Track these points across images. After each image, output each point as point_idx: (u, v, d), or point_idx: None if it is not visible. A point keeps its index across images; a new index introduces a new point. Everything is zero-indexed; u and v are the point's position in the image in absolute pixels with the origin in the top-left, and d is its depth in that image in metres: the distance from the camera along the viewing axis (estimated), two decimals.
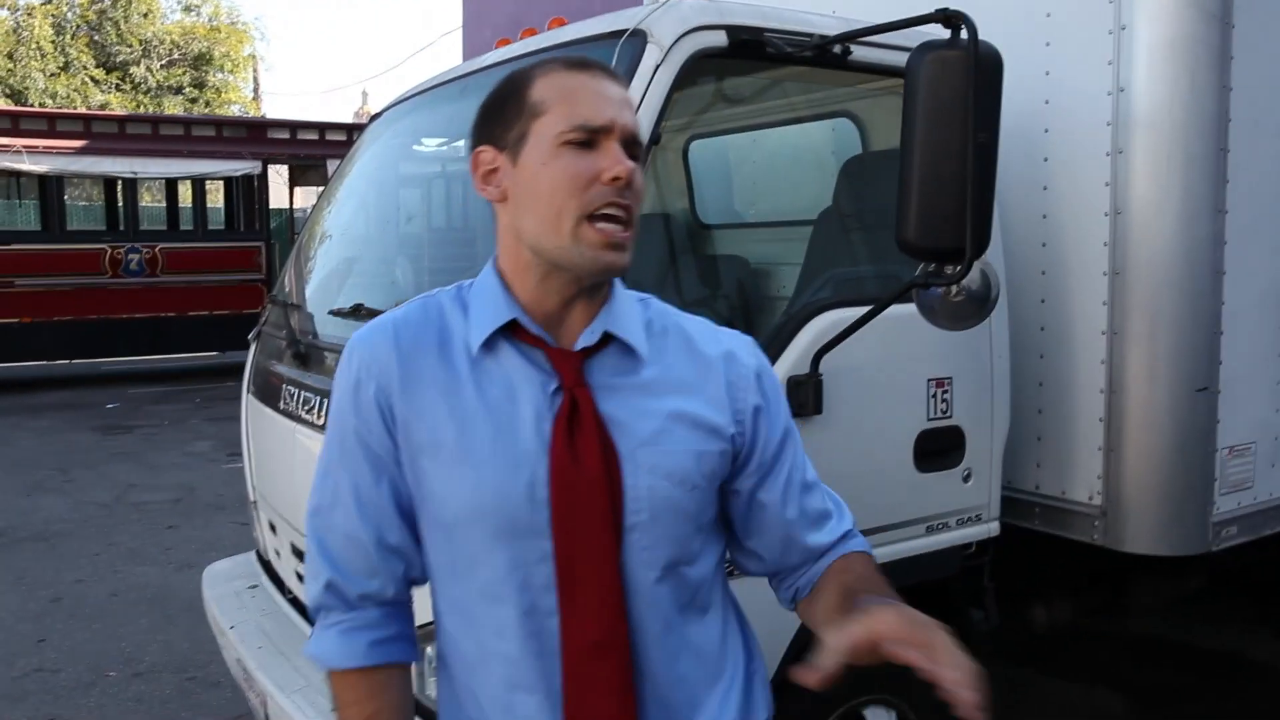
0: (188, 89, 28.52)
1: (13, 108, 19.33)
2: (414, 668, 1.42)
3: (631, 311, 1.32)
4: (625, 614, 1.25)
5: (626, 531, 1.25)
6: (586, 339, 1.27)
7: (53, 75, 25.83)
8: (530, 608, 1.25)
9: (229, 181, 14.11)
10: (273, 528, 3.10)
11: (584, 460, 1.23)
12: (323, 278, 3.27)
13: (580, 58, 1.29)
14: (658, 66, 2.11)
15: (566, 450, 1.23)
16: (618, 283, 1.32)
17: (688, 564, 1.31)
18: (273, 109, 31.65)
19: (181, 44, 28.41)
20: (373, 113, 3.51)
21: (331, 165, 13.46)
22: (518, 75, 1.30)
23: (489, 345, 1.27)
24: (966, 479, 2.58)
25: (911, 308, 2.20)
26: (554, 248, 1.23)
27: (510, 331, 1.27)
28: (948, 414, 2.52)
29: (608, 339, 1.28)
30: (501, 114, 1.28)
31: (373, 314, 2.55)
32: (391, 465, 1.30)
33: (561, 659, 1.25)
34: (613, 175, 1.21)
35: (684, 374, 1.31)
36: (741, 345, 1.38)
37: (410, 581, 1.36)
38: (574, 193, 1.21)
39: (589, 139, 1.22)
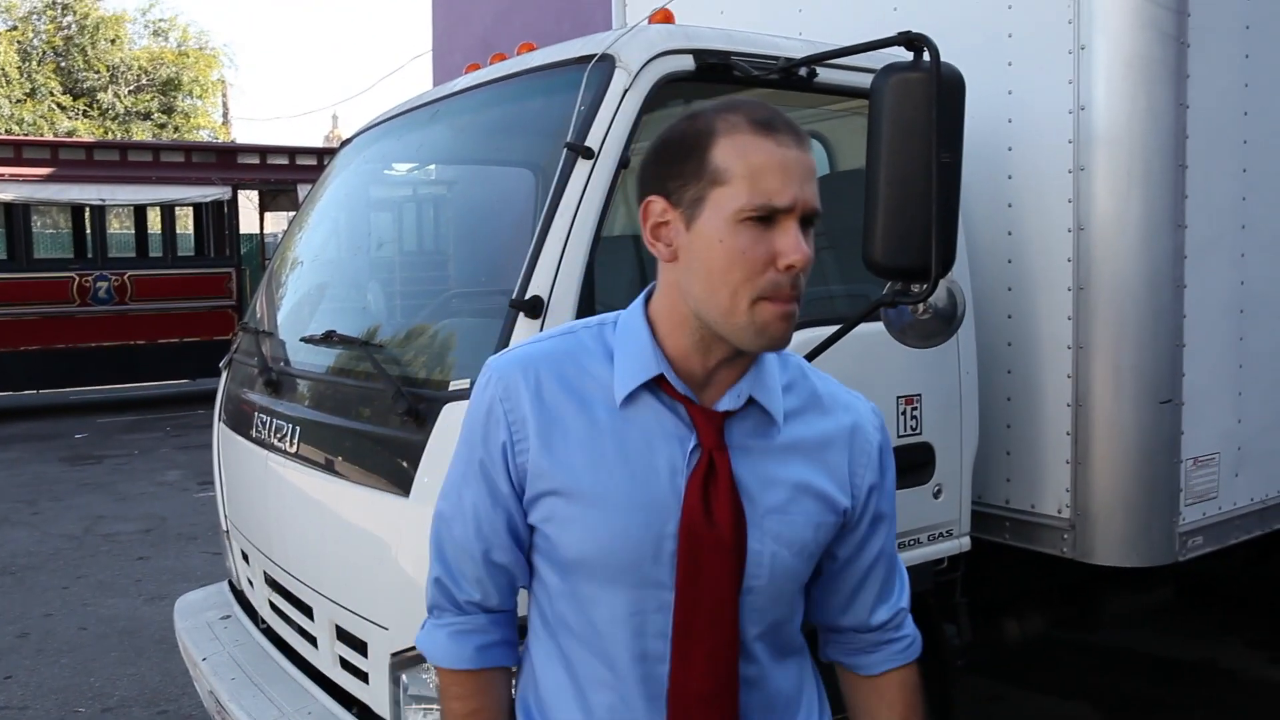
0: (156, 114, 28.36)
1: None
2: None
3: (773, 374, 1.31)
4: (737, 670, 1.28)
5: (744, 592, 1.27)
6: (731, 402, 1.27)
7: (18, 102, 25.62)
8: (642, 653, 1.28)
9: (199, 207, 14.01)
10: (245, 557, 3.08)
11: (717, 520, 1.24)
12: (294, 304, 3.26)
13: (767, 115, 1.22)
14: (626, 91, 2.13)
15: (700, 508, 1.24)
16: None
17: (787, 622, 1.37)
18: (242, 134, 31.47)
19: (150, 69, 28.28)
20: (343, 136, 3.51)
21: (302, 190, 13.41)
22: (700, 126, 1.24)
23: (632, 394, 1.27)
24: (937, 495, 2.61)
25: (879, 326, 2.22)
26: (723, 322, 1.21)
27: (654, 383, 1.27)
28: (917, 431, 2.54)
29: (749, 402, 1.28)
30: (679, 167, 1.23)
31: (345, 341, 2.56)
32: (507, 500, 1.32)
33: (668, 706, 1.28)
34: (788, 264, 1.18)
35: (812, 444, 1.32)
36: (868, 418, 1.39)
37: (515, 590, 1.40)
38: (750, 275, 1.18)
39: (769, 216, 1.18)
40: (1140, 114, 2.60)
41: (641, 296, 1.33)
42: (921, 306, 2.03)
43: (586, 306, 2.03)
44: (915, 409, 2.52)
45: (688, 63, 2.23)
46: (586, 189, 2.07)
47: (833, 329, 2.19)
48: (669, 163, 1.25)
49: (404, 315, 3.01)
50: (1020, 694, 3.48)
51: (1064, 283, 2.70)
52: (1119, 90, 2.61)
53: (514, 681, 1.43)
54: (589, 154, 2.07)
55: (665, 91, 2.21)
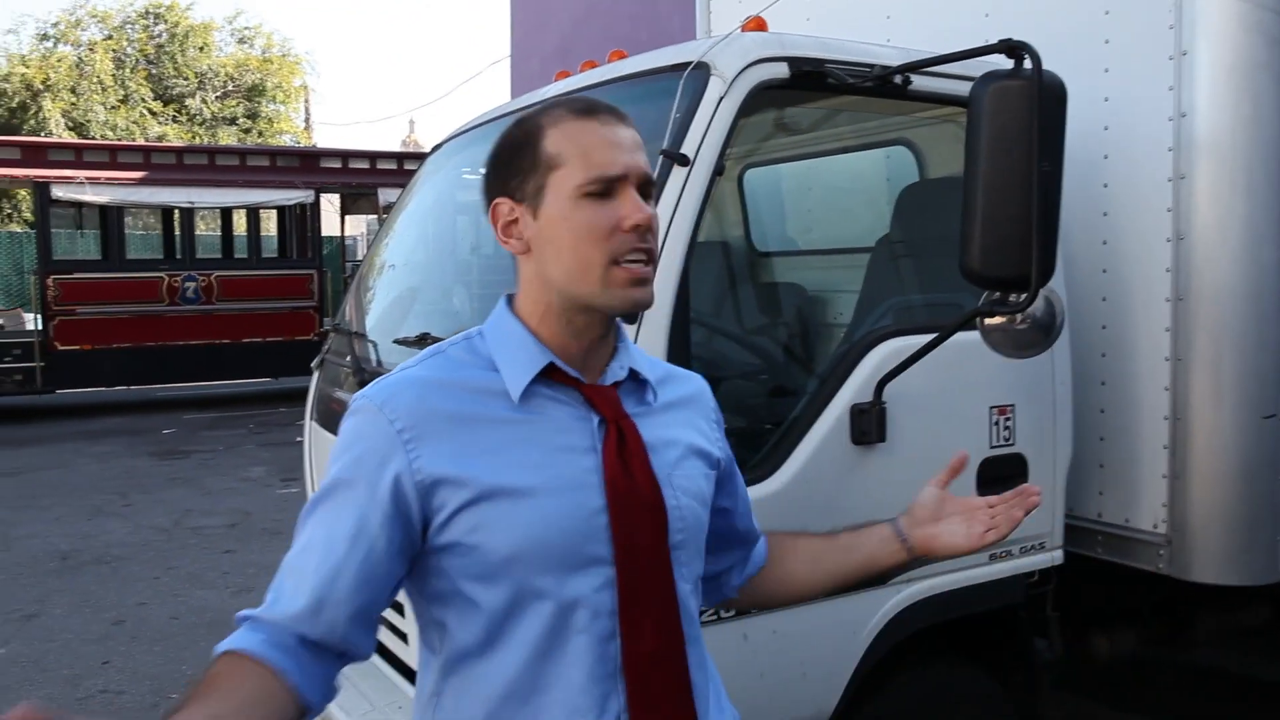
0: (241, 120, 29.15)
1: (75, 140, 19.90)
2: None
3: (638, 351, 1.44)
4: (680, 625, 1.35)
5: (672, 549, 1.34)
6: (616, 374, 1.37)
7: (113, 108, 26.54)
8: (599, 634, 1.29)
9: (282, 210, 14.37)
10: None
11: (639, 482, 1.31)
12: (385, 307, 3.33)
13: (587, 103, 1.32)
14: (721, 98, 2.14)
15: (622, 474, 1.30)
16: (623, 326, 1.42)
17: (701, 577, 1.46)
18: (323, 138, 32.14)
19: (236, 76, 29.08)
20: (419, 141, 3.57)
21: (382, 193, 13.67)
22: (527, 125, 1.33)
23: (525, 390, 1.31)
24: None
25: (973, 335, 2.20)
26: (585, 293, 1.29)
27: (542, 374, 1.32)
28: (1010, 441, 2.51)
29: (627, 375, 1.38)
30: (516, 166, 1.32)
31: (438, 343, 2.60)
32: (376, 534, 1.26)
33: (625, 677, 1.30)
34: (633, 223, 1.27)
35: (680, 408, 1.45)
36: (704, 383, 1.55)
37: (336, 650, 1.28)
38: (597, 242, 1.27)
39: (606, 188, 1.27)
40: (1245, 120, 2.54)
41: (502, 303, 1.38)
42: (1019, 316, 2.01)
43: (682, 311, 2.04)
44: (1009, 419, 2.49)
45: (782, 70, 2.23)
46: (682, 196, 2.09)
47: (926, 337, 2.17)
48: (506, 165, 1.34)
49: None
50: (1110, 713, 3.40)
51: (1162, 293, 2.64)
52: (1222, 96, 2.55)
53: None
54: (684, 161, 2.09)
55: (760, 99, 2.21)
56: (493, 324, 1.37)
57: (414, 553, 1.29)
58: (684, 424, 1.44)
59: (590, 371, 1.35)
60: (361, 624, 1.28)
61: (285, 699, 1.22)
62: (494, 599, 1.28)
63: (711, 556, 1.54)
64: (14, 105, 25.84)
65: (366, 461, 1.27)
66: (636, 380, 1.39)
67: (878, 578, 1.69)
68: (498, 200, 1.34)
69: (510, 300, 1.38)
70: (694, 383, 1.52)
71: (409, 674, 2.62)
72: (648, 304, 1.31)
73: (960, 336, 2.19)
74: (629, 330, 1.57)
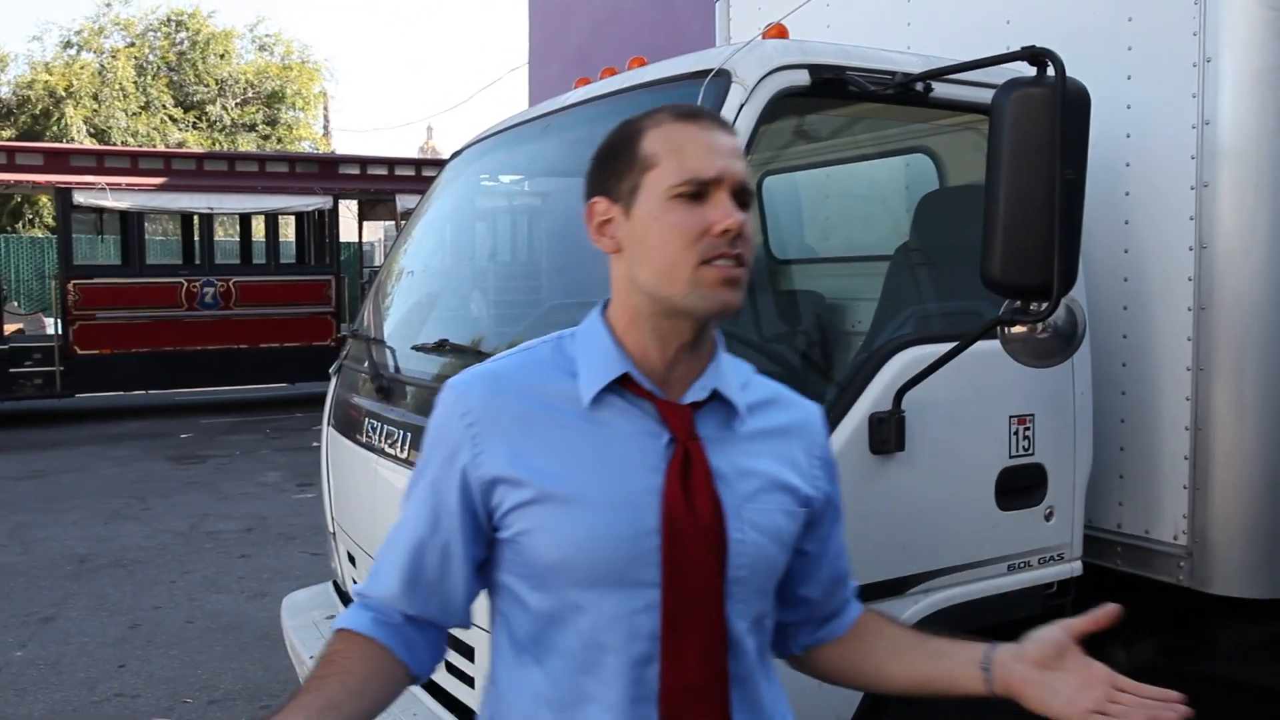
0: (261, 126, 29.31)
1: (97, 147, 20.07)
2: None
3: (731, 371, 1.36)
4: (727, 662, 1.29)
5: (729, 583, 1.28)
6: (697, 394, 1.31)
7: (134, 114, 26.74)
8: (633, 657, 1.27)
9: (300, 216, 14.47)
10: (351, 559, 3.15)
11: (699, 510, 1.26)
12: (404, 313, 3.34)
13: (690, 108, 1.32)
14: (742, 105, 2.14)
15: (681, 500, 1.26)
16: (720, 341, 1.36)
17: (767, 616, 1.38)
18: (342, 145, 32.31)
19: (255, 83, 29.25)
20: (437, 148, 3.59)
21: (400, 200, 13.73)
22: (629, 126, 1.33)
23: (598, 397, 1.29)
24: (1048, 517, 2.55)
25: (992, 344, 2.19)
26: (671, 294, 1.26)
27: (619, 383, 1.30)
28: (1029, 451, 2.49)
29: (711, 395, 1.32)
30: (614, 165, 1.32)
31: (457, 350, 2.61)
32: (451, 521, 1.32)
33: (660, 706, 1.26)
34: (723, 228, 1.23)
35: (774, 437, 1.38)
36: (815, 414, 1.46)
37: (443, 614, 1.38)
38: (687, 245, 1.24)
39: (699, 191, 1.25)
40: (1269, 129, 2.52)
41: (597, 306, 1.37)
42: (1041, 325, 1.99)
43: None
44: (1028, 429, 2.48)
45: (803, 78, 2.22)
46: None
47: (946, 346, 2.16)
48: (605, 164, 1.34)
49: (514, 325, 3.05)
50: None
51: (1184, 302, 2.62)
52: (1246, 104, 2.53)
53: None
54: None
55: (781, 106, 2.21)
56: (584, 326, 1.36)
57: (486, 539, 1.34)
58: (772, 455, 1.36)
59: (673, 386, 1.31)
60: (452, 600, 1.37)
61: (395, 672, 1.35)
62: (540, 603, 1.30)
63: (782, 603, 1.46)
64: (37, 112, 26.07)
65: (441, 450, 1.33)
66: (723, 402, 1.33)
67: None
68: (594, 199, 1.34)
69: (606, 304, 1.37)
70: (801, 412, 1.44)
71: (425, 682, 2.61)
72: (736, 306, 1.27)
73: (980, 345, 2.18)
74: None
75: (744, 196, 1.28)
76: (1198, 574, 2.64)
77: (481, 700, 1.43)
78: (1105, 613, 1.34)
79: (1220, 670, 3.35)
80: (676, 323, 1.28)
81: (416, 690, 2.63)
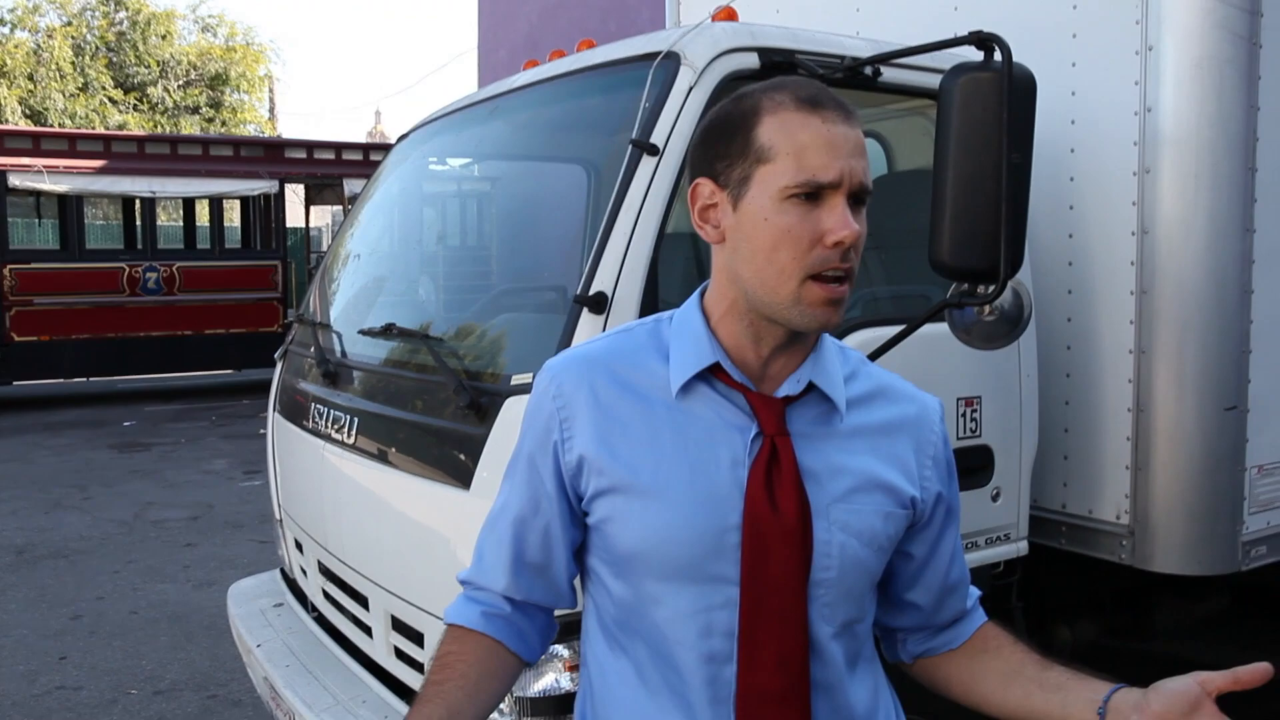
0: (204, 109, 28.76)
1: (33, 128, 19.55)
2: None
3: (834, 362, 1.29)
4: (808, 666, 1.24)
5: (813, 585, 1.24)
6: (790, 388, 1.25)
7: (72, 96, 26.08)
8: (708, 653, 1.24)
9: (246, 201, 14.23)
10: (299, 546, 3.11)
11: (782, 509, 1.21)
12: (351, 297, 3.29)
13: (814, 92, 1.20)
14: (691, 88, 2.13)
15: (764, 497, 1.21)
16: (827, 334, 1.30)
17: (859, 621, 1.32)
18: (288, 129, 31.81)
19: (198, 64, 28.67)
20: (385, 132, 3.54)
21: (348, 184, 13.55)
22: (745, 106, 1.23)
23: (688, 386, 1.25)
24: (995, 498, 2.58)
25: (940, 327, 2.21)
26: (771, 302, 1.20)
27: (710, 372, 1.25)
28: (976, 433, 2.52)
29: (808, 388, 1.26)
30: (725, 147, 1.22)
31: (404, 334, 2.58)
32: (552, 500, 1.32)
33: (736, 708, 1.24)
34: (836, 239, 1.16)
35: (877, 432, 1.30)
36: (932, 408, 1.37)
37: (551, 594, 1.38)
38: (797, 254, 1.17)
39: (815, 193, 1.17)
40: (1209, 116, 2.56)
41: (698, 291, 1.32)
42: (988, 308, 2.01)
43: (650, 302, 2.04)
44: (975, 411, 2.50)
45: (752, 61, 2.22)
46: (651, 186, 2.08)
47: (896, 329, 2.18)
48: (715, 144, 1.24)
49: (462, 310, 3.03)
50: None
51: (1127, 286, 2.67)
52: (1187, 92, 2.57)
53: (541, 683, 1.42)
54: (654, 151, 2.07)
55: (730, 89, 2.18)
56: (681, 311, 1.31)
57: (580, 522, 1.33)
58: (874, 452, 1.28)
59: (768, 379, 1.26)
60: (558, 582, 1.37)
61: (509, 665, 1.37)
62: (622, 591, 1.29)
63: (888, 607, 1.41)
64: None
65: (535, 430, 1.33)
66: (821, 395, 1.26)
67: None
68: (699, 180, 1.25)
69: (704, 291, 1.31)
70: (914, 406, 1.35)
71: (374, 668, 2.60)
72: (835, 327, 1.21)
73: (928, 328, 2.19)
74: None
75: (864, 198, 1.20)
76: (1139, 553, 2.69)
77: (579, 683, 1.42)
78: (1251, 672, 1.16)
79: (1161, 648, 3.43)
80: (773, 326, 1.22)
81: (364, 675, 2.61)
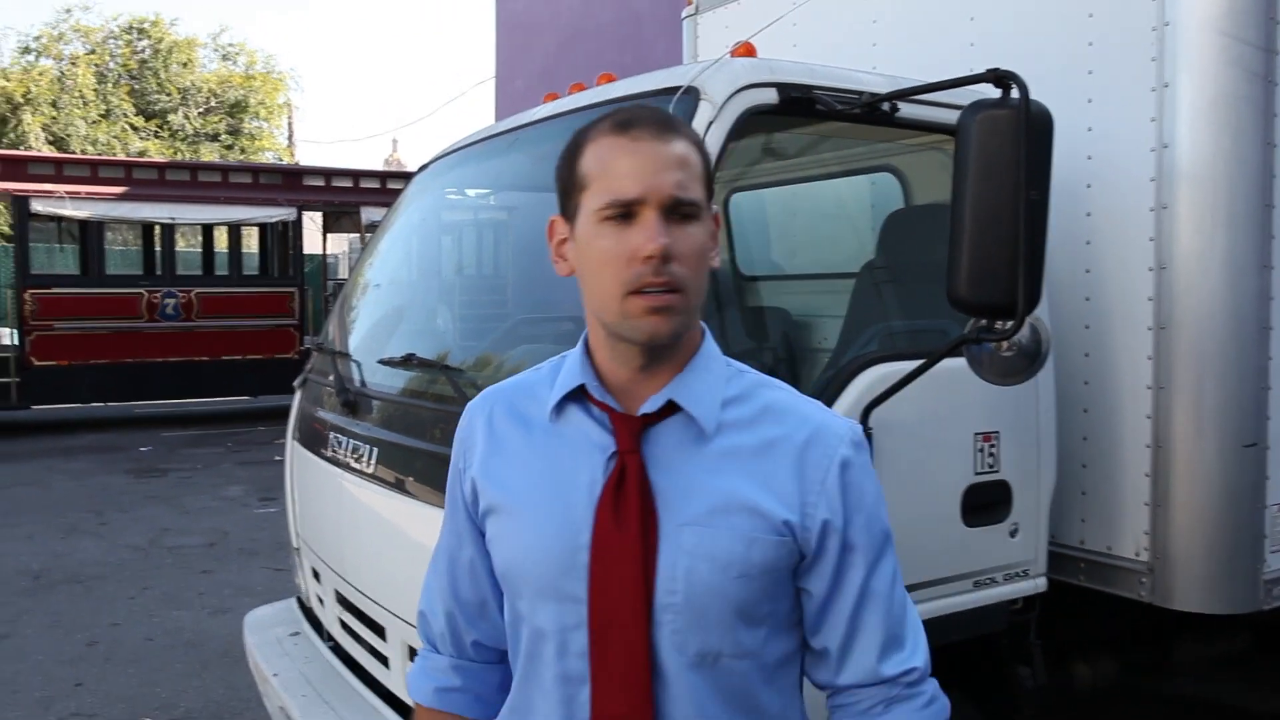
0: (224, 136, 29.09)
1: (56, 155, 19.78)
2: None
3: (710, 381, 1.26)
4: (650, 694, 1.21)
5: (659, 610, 1.20)
6: (648, 406, 1.24)
7: (94, 123, 26.43)
8: (564, 674, 1.25)
9: (264, 227, 14.33)
10: (316, 574, 3.12)
11: (625, 528, 1.20)
12: (369, 327, 3.32)
13: (628, 115, 1.23)
14: (710, 123, 2.15)
15: (610, 516, 1.21)
16: (705, 352, 1.28)
17: (736, 657, 1.23)
18: (306, 156, 32.10)
19: (219, 92, 29.03)
20: (402, 160, 3.57)
21: (365, 212, 13.65)
22: (574, 138, 1.28)
23: (562, 410, 1.30)
24: (1013, 534, 2.57)
25: (959, 362, 2.21)
26: (610, 322, 1.23)
27: (584, 395, 1.28)
28: (994, 468, 2.52)
29: (676, 408, 1.25)
30: (563, 182, 1.28)
31: (424, 364, 2.60)
32: (466, 531, 1.38)
33: None
34: (645, 254, 1.17)
35: (754, 455, 1.24)
36: (833, 433, 1.27)
37: (492, 652, 1.42)
38: (616, 271, 1.19)
39: (626, 212, 1.19)
40: (1226, 152, 2.57)
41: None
42: (1006, 344, 2.02)
43: None
44: (993, 446, 2.50)
45: (771, 96, 2.24)
46: None
47: (913, 363, 2.18)
48: (559, 180, 1.30)
49: (480, 339, 3.04)
50: None
51: (1144, 322, 2.66)
52: (1204, 128, 2.58)
53: None
54: None
55: (749, 124, 2.22)
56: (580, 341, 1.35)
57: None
58: (745, 473, 1.23)
59: (638, 400, 1.26)
60: (496, 620, 1.39)
61: None
62: (507, 609, 1.34)
63: (807, 653, 1.33)
64: None
65: (452, 464, 1.39)
66: (688, 415, 1.24)
67: None
68: (553, 218, 1.30)
69: None
70: (806, 428, 1.26)
71: (388, 698, 2.59)
72: (666, 334, 1.20)
73: (945, 363, 2.20)
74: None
75: (684, 209, 1.20)
76: (1159, 590, 2.67)
77: None
78: None
79: (1181, 688, 3.40)
80: (628, 345, 1.24)
81: (380, 706, 2.61)
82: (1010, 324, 1.96)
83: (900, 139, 2.83)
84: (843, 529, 1.25)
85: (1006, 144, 1.90)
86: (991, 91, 1.99)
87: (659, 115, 1.24)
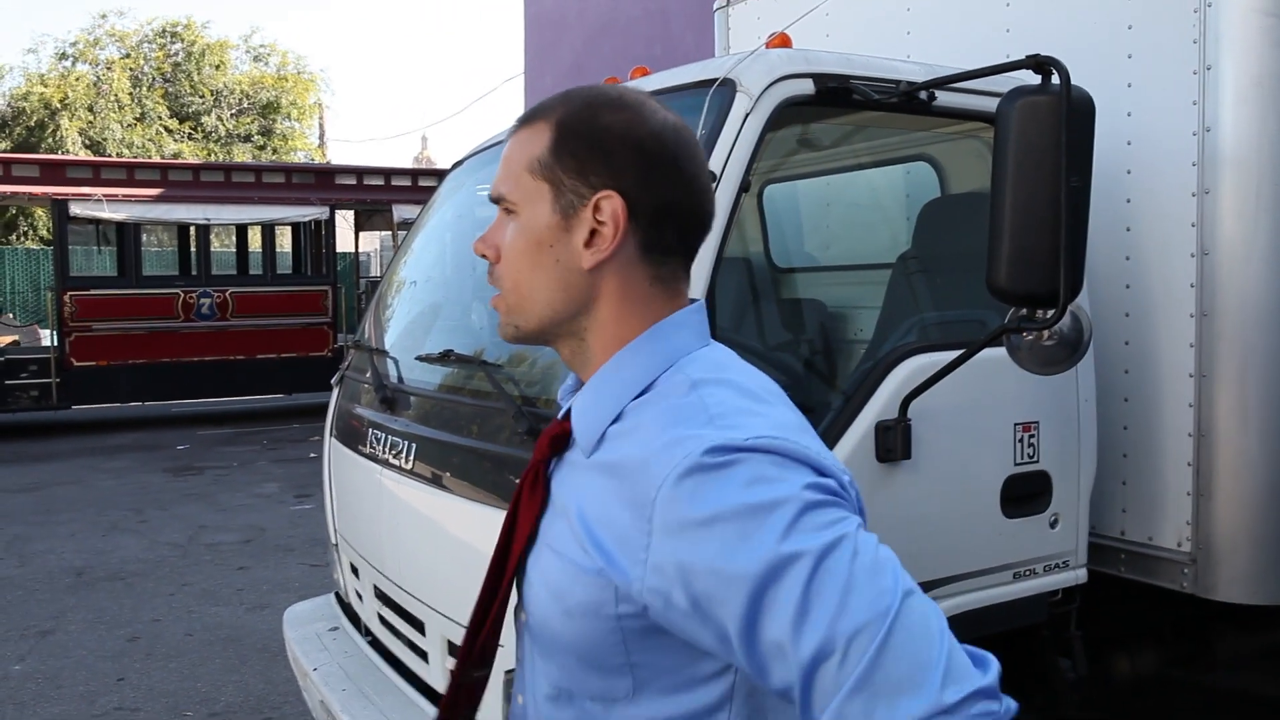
0: (256, 137, 29.36)
1: (94, 158, 20.05)
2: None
3: (604, 390, 1.09)
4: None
5: (524, 626, 1.13)
6: (562, 412, 1.16)
7: (129, 126, 26.77)
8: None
9: (297, 226, 14.46)
10: (355, 570, 3.14)
11: (515, 538, 1.13)
12: (406, 324, 3.33)
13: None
14: (747, 115, 2.14)
15: (508, 524, 1.14)
16: (618, 358, 1.09)
17: (594, 700, 1.06)
18: (337, 155, 32.34)
19: (251, 93, 29.30)
20: (432, 158, 3.58)
21: (397, 210, 13.73)
22: None
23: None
24: (1053, 524, 2.55)
25: (997, 352, 2.19)
26: None
27: None
28: (1034, 459, 2.50)
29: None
30: None
31: (462, 360, 2.61)
32: None
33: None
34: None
35: (604, 474, 1.04)
36: (663, 458, 0.97)
37: None
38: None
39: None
40: (1271, 135, 2.53)
41: None
42: (1047, 332, 2.00)
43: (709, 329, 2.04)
44: (1033, 436, 2.48)
45: (808, 87, 2.23)
46: None
47: (952, 354, 2.16)
48: None
49: None
50: None
51: (1186, 309, 2.63)
52: (1247, 111, 2.54)
53: None
54: (711, 178, 2.08)
55: (786, 115, 2.22)
56: None
57: None
58: (594, 496, 1.04)
59: None
60: None
61: None
62: None
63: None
64: (32, 124, 26.08)
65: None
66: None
67: None
68: None
69: None
70: (639, 448, 1.01)
71: (428, 692, 2.61)
72: (505, 338, 1.14)
73: (985, 353, 2.18)
74: None
75: (504, 205, 1.12)
76: (1202, 581, 2.64)
77: None
78: None
79: (1224, 680, 3.35)
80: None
81: (420, 700, 2.62)
82: (1052, 313, 1.94)
83: (936, 128, 2.80)
84: (678, 576, 0.94)
85: (1047, 131, 1.88)
86: (1029, 78, 1.97)
87: (544, 105, 1.13)
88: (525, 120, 1.12)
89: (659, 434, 0.99)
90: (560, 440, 1.11)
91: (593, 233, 1.07)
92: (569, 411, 1.12)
